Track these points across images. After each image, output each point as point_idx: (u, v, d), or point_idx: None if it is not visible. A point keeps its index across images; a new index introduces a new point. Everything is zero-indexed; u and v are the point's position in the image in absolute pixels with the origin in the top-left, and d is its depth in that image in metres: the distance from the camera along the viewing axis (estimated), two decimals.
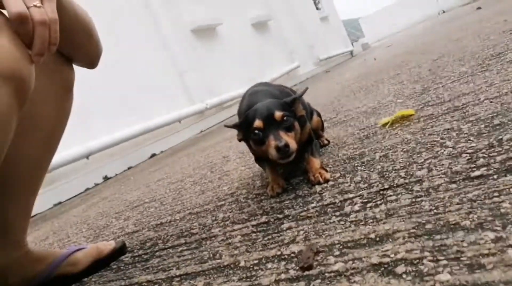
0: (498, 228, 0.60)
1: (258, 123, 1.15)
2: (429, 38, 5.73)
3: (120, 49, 5.05)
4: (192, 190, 1.82)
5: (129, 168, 4.65)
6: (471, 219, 0.65)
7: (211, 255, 0.97)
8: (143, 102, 5.18)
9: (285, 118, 1.15)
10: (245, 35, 7.73)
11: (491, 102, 1.26)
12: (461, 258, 0.57)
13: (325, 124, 2.12)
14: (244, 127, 1.24)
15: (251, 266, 0.83)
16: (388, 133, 1.41)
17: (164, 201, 1.84)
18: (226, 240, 1.03)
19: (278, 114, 1.15)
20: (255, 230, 1.02)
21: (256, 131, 1.16)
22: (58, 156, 3.65)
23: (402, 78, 2.67)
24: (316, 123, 1.57)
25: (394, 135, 1.34)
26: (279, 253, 0.83)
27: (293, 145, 1.11)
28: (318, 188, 1.11)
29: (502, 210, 0.64)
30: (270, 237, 0.93)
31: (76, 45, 1.02)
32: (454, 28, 5.32)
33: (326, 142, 1.59)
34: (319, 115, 1.60)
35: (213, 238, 1.08)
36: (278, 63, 8.41)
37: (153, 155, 5.04)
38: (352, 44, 13.33)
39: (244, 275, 0.80)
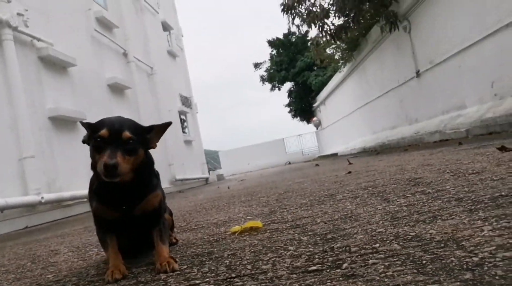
0: None
1: (104, 132, 1.12)
2: (277, 178, 6.44)
3: None
4: (4, 277, 1.50)
5: None
6: None
7: None
8: None
9: (131, 141, 1.15)
10: None
11: (325, 223, 1.45)
12: None
13: (175, 230, 2.09)
14: (93, 130, 1.18)
15: None
16: (237, 239, 1.47)
17: None
18: None
19: (126, 134, 1.14)
20: None
21: (99, 139, 1.12)
22: None
23: (252, 203, 2.88)
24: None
25: (243, 240, 1.40)
26: None
27: (123, 168, 1.09)
28: (163, 275, 1.05)
29: None
30: None
31: None
32: (298, 175, 6.13)
33: (174, 240, 1.56)
34: (171, 214, 1.60)
35: None
36: None
37: None
38: (209, 172, 14.02)
39: None
